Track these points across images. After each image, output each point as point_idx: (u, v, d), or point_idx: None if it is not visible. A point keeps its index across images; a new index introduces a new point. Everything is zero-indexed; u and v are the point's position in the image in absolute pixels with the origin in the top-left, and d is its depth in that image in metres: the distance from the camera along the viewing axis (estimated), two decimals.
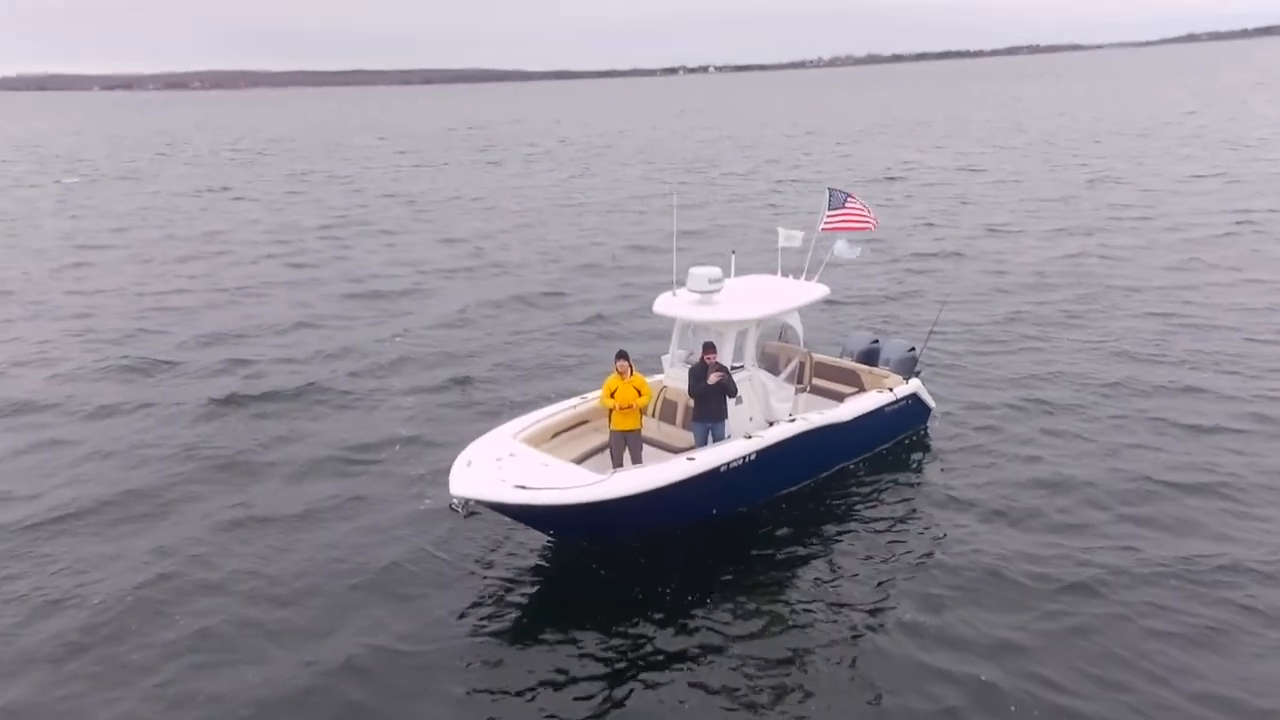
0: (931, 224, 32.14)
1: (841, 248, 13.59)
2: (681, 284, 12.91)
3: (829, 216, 13.83)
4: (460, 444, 11.76)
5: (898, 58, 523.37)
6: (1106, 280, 23.33)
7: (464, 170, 56.49)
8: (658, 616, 9.99)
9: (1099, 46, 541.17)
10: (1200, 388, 15.92)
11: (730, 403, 11.95)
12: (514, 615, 10.26)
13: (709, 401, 11.90)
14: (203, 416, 16.12)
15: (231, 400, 16.73)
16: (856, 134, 71.60)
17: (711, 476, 11.21)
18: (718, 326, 12.44)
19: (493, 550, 11.43)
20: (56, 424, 16.17)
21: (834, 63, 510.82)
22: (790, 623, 9.91)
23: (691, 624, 9.87)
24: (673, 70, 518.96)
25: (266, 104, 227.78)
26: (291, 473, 13.85)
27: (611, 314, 22.11)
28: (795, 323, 13.30)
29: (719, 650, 9.44)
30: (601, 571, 10.97)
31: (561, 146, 72.36)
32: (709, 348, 11.85)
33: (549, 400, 13.65)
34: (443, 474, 11.10)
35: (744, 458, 11.53)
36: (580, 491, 10.46)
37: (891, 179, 43.45)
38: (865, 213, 13.66)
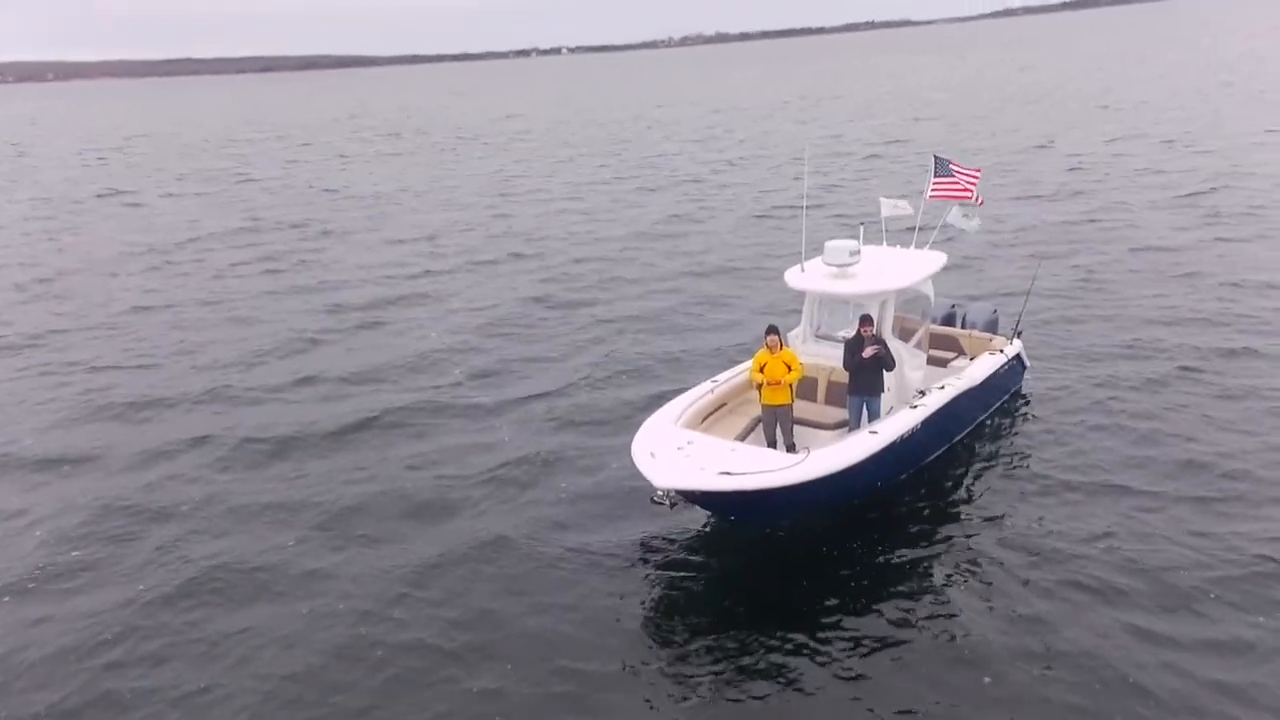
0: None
1: (956, 217, 13.72)
2: (811, 258, 12.79)
3: (935, 184, 13.94)
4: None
5: (745, 36, 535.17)
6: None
7: (399, 162, 52.73)
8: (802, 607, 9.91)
9: (929, 22, 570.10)
10: None
11: (886, 375, 11.91)
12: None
13: (865, 375, 11.82)
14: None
15: (365, 424, 15.23)
16: (771, 110, 72.02)
17: (893, 448, 11.18)
18: (861, 299, 12.35)
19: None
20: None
21: (685, 42, 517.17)
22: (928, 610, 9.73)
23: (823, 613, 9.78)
24: (525, 52, 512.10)
25: (96, 97, 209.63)
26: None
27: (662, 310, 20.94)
28: (929, 290, 13.38)
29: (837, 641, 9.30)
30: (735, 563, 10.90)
31: (472, 134, 69.47)
32: (866, 320, 11.76)
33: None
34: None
35: (913, 427, 11.55)
36: (785, 474, 10.20)
37: (875, 156, 43.25)
38: (974, 183, 13.79)
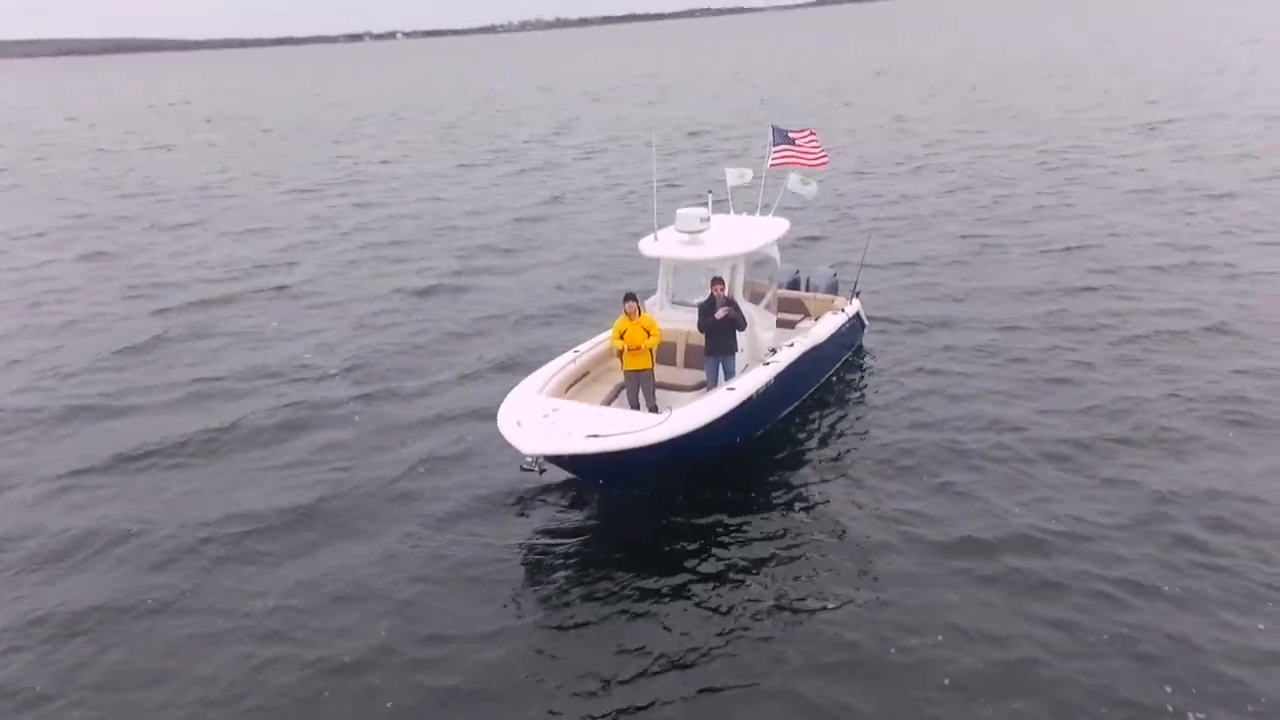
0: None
1: (795, 183, 14.38)
2: (663, 228, 13.15)
3: (775, 152, 14.57)
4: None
5: (584, 21, 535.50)
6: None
7: (229, 151, 49.67)
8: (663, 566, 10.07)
9: (760, 9, 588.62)
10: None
11: (739, 335, 12.44)
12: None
13: (719, 336, 12.29)
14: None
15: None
16: (658, 92, 71.77)
17: (749, 404, 11.70)
18: (713, 264, 12.81)
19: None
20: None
21: (525, 26, 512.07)
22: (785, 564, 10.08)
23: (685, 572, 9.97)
24: (358, 37, 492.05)
25: None
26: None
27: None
28: (775, 254, 13.99)
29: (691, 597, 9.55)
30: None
31: (307, 122, 66.07)
32: (717, 282, 12.22)
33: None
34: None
35: (767, 383, 12.12)
36: (651, 433, 10.51)
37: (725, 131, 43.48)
38: (817, 148, 14.52)
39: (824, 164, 14.71)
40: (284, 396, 15.06)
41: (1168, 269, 19.40)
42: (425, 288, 21.12)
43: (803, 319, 14.94)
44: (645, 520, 11.00)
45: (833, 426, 13.17)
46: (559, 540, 10.65)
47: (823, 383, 14.33)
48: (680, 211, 12.91)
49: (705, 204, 13.37)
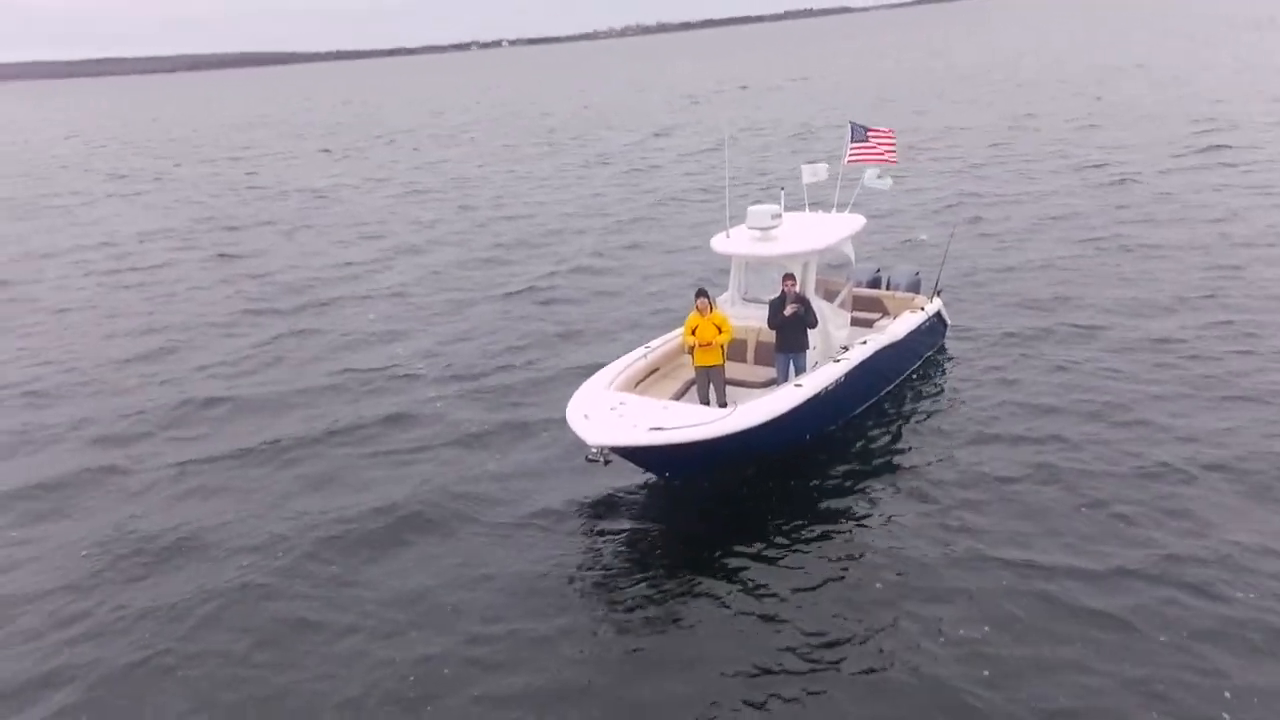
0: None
1: (871, 179, 14.23)
2: (734, 224, 13.21)
3: (853, 149, 14.44)
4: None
5: (686, 25, 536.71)
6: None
7: (342, 159, 52.22)
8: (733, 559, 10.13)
9: (864, 9, 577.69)
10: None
11: (811, 333, 12.37)
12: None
13: (790, 332, 12.27)
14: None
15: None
16: (760, 94, 72.08)
17: (817, 401, 11.64)
18: (784, 260, 12.79)
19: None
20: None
21: (625, 32, 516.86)
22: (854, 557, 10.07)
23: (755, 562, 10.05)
24: (465, 46, 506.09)
25: (22, 98, 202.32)
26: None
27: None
28: (850, 251, 13.88)
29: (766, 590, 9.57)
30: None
31: (416, 128, 68.78)
32: (789, 278, 12.19)
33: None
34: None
35: (837, 380, 12.04)
36: (713, 427, 10.60)
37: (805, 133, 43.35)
38: (890, 146, 14.33)
39: (894, 160, 14.49)
40: (380, 396, 15.49)
41: None
42: (520, 290, 21.41)
43: (881, 317, 14.74)
44: (709, 517, 11.12)
45: (905, 428, 12.95)
46: (626, 535, 10.84)
47: (900, 382, 14.10)
48: (751, 208, 12.94)
49: (778, 200, 13.35)
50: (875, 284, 15.83)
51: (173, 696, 8.56)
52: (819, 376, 11.85)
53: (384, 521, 11.34)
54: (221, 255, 27.30)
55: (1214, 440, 11.79)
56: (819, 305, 13.27)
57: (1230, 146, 30.34)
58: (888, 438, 12.67)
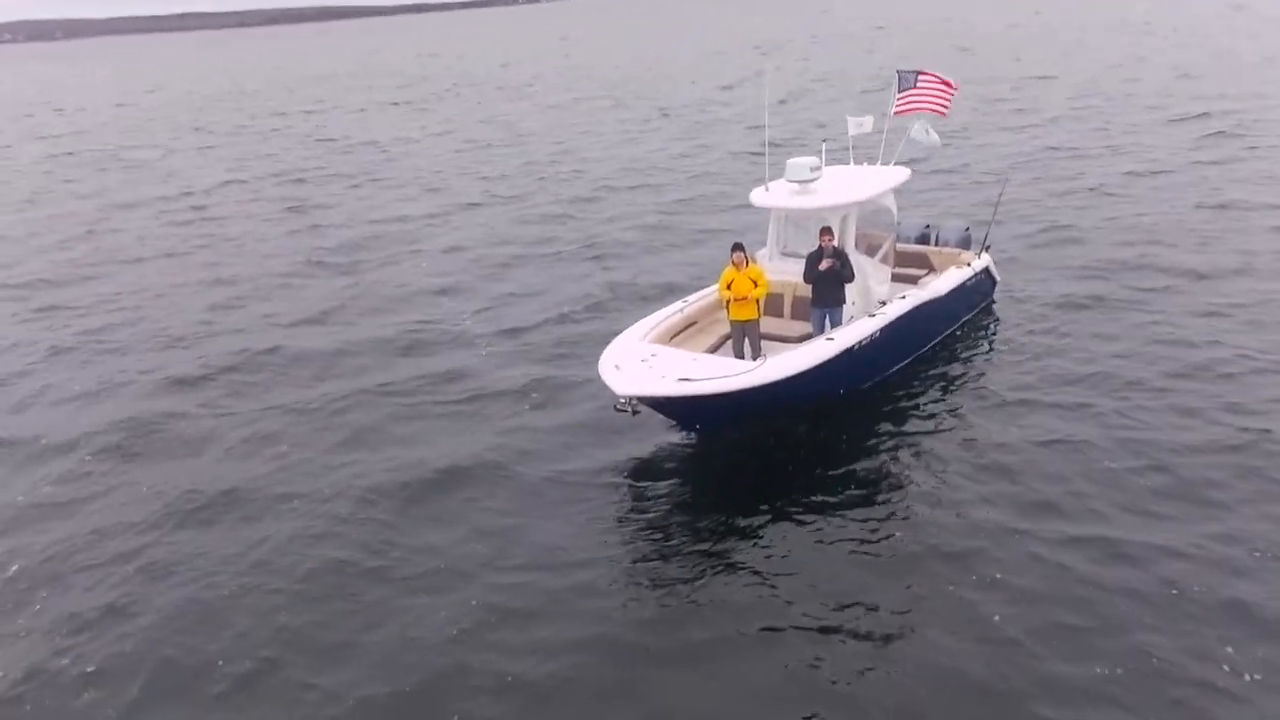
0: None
1: (919, 131, 13.92)
2: (773, 178, 13.12)
3: (900, 98, 14.12)
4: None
5: None
6: None
7: (424, 111, 52.70)
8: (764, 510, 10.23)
9: None
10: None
11: (849, 287, 12.29)
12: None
13: (825, 286, 12.21)
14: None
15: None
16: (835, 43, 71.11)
17: (848, 354, 11.62)
18: (822, 214, 12.68)
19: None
20: None
21: None
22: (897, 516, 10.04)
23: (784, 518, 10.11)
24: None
25: (110, 54, 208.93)
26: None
27: None
28: (892, 204, 13.68)
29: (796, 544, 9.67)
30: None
31: (501, 82, 68.79)
32: (825, 232, 12.10)
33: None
34: None
35: (872, 335, 11.97)
36: (741, 379, 10.70)
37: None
38: (943, 90, 13.92)
39: (945, 111, 14.09)
40: (429, 351, 15.82)
41: None
42: (573, 247, 21.54)
43: (927, 274, 14.50)
44: (739, 470, 11.24)
45: (942, 388, 12.80)
46: (659, 490, 10.96)
47: (945, 337, 13.92)
48: (790, 161, 12.82)
49: (819, 154, 13.19)
50: (924, 240, 15.56)
51: (221, 634, 8.99)
52: (852, 331, 11.81)
53: (427, 473, 11.58)
54: (289, 208, 28.09)
55: (1262, 415, 11.39)
56: (859, 260, 13.15)
57: None
58: (922, 397, 12.57)
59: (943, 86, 13.87)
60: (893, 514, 10.06)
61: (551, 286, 18.73)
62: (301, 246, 23.29)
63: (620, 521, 10.35)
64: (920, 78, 14.05)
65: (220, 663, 8.58)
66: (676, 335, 12.78)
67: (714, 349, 12.59)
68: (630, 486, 11.05)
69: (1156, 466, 10.48)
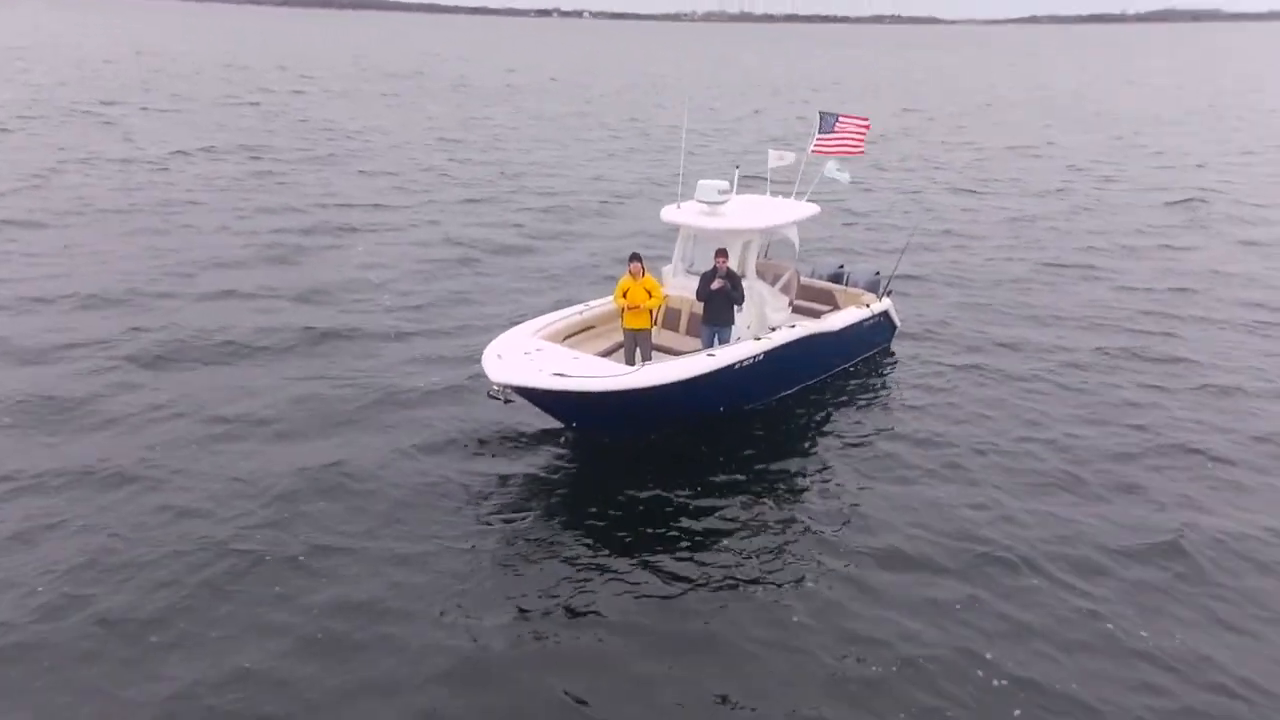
0: None
1: (832, 169, 14.41)
2: (686, 197, 13.52)
3: (819, 140, 14.63)
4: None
5: (769, 17, 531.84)
6: None
7: (413, 105, 53.24)
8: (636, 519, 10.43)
9: (953, 22, 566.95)
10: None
11: (744, 310, 12.67)
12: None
13: (715, 306, 12.59)
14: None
15: None
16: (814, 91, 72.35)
17: (728, 373, 11.95)
18: (725, 236, 13.08)
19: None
20: None
21: (709, 17, 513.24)
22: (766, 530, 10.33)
23: (658, 528, 10.29)
24: (547, 13, 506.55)
25: (133, 14, 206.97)
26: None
27: None
28: (794, 237, 14.12)
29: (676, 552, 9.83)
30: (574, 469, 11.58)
31: (491, 86, 69.30)
32: (720, 253, 12.49)
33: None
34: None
35: (754, 357, 12.32)
36: (614, 380, 10.99)
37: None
38: (859, 136, 14.48)
39: (859, 151, 14.65)
40: (345, 345, 15.52)
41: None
42: (507, 246, 22.10)
43: (830, 310, 14.94)
44: (611, 470, 11.48)
45: (830, 419, 13.17)
46: (532, 475, 11.25)
47: (834, 374, 14.31)
48: (701, 182, 13.25)
49: (731, 180, 13.63)
50: (838, 279, 16.02)
51: (69, 614, 8.67)
52: (734, 351, 12.15)
53: (304, 465, 11.27)
54: (245, 183, 28.09)
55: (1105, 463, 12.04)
56: (757, 286, 13.57)
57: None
58: (800, 425, 12.93)
59: (859, 128, 14.42)
60: (739, 530, 10.28)
61: (483, 294, 18.75)
62: (247, 225, 23.18)
63: (483, 499, 10.56)
64: (840, 120, 14.59)
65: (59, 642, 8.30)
66: (572, 336, 13.07)
67: (606, 353, 12.89)
68: (502, 469, 11.26)
69: (1002, 501, 10.96)
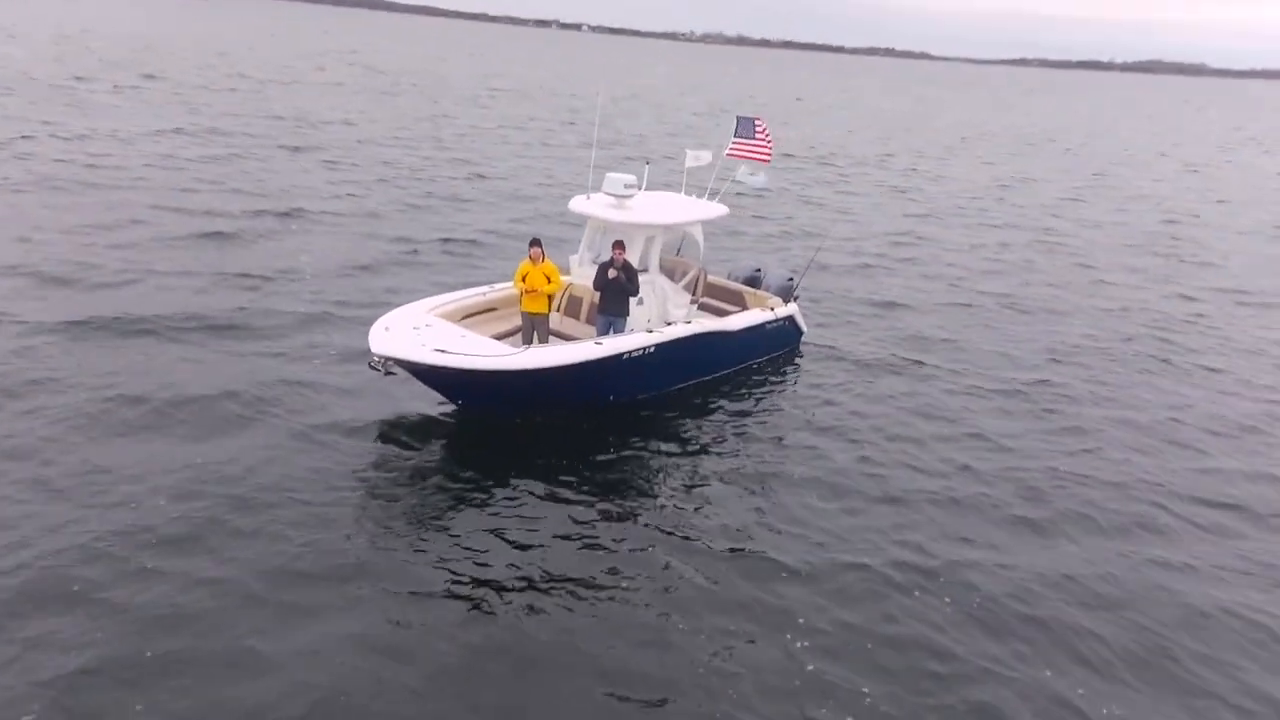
0: None
1: (743, 173, 14.73)
2: (597, 188, 13.77)
3: (735, 144, 14.95)
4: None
5: (765, 42, 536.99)
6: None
7: (381, 101, 53.58)
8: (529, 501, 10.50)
9: (947, 59, 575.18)
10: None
11: (632, 302, 12.91)
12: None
13: (611, 297, 12.84)
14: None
15: None
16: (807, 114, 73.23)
17: (615, 362, 12.19)
18: (628, 229, 13.34)
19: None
20: None
21: (706, 38, 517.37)
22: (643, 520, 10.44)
23: (553, 512, 10.37)
24: (546, 23, 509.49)
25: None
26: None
27: None
28: (699, 235, 14.40)
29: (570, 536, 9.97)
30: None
31: (471, 90, 69.65)
32: (618, 245, 12.74)
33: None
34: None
35: (644, 349, 12.56)
36: (495, 360, 11.18)
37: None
38: (768, 144, 14.83)
39: (767, 160, 14.98)
40: (260, 299, 16.21)
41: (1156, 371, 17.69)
42: (439, 238, 22.32)
43: (738, 311, 15.22)
44: (489, 450, 11.64)
45: (720, 417, 13.36)
46: (418, 450, 11.40)
47: (733, 372, 14.56)
48: (609, 175, 13.54)
49: (641, 175, 13.91)
50: (753, 282, 16.32)
51: None
52: (622, 341, 12.39)
53: (180, 407, 11.75)
54: (202, 165, 28.15)
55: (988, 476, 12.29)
56: (660, 281, 13.84)
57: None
58: (686, 418, 13.11)
59: (767, 134, 14.76)
60: (612, 513, 10.47)
61: (415, 288, 18.56)
62: (192, 203, 23.21)
63: (365, 472, 10.67)
64: (758, 126, 14.90)
65: None
66: (472, 316, 13.26)
67: (504, 335, 13.09)
68: (390, 444, 11.39)
69: (879, 504, 11.24)
